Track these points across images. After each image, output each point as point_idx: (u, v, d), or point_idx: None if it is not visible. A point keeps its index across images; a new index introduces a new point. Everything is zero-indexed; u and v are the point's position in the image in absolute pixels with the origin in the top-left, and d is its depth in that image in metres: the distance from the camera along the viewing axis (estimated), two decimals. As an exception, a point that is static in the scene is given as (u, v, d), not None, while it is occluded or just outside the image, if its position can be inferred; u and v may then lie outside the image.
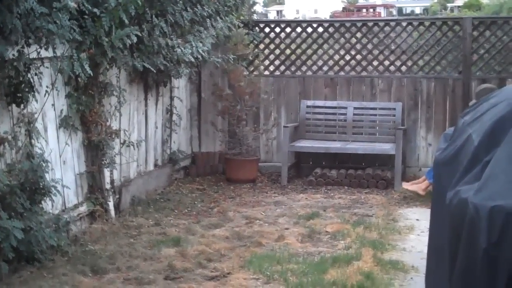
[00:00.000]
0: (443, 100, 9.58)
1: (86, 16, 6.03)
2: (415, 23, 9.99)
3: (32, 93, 5.55)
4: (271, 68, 10.26)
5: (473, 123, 3.33)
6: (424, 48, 9.84)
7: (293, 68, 10.17)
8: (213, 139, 10.05)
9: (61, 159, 6.37)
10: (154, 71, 7.53)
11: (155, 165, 8.71)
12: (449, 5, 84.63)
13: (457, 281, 2.79)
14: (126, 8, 6.24)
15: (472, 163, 2.94)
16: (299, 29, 10.26)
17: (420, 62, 9.88)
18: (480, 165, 2.87)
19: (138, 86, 8.05)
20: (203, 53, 8.25)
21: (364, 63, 9.96)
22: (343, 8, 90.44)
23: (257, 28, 10.18)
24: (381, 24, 10.05)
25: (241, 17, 9.98)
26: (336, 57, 10.06)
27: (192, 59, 8.07)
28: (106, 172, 7.06)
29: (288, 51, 10.23)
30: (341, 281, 5.40)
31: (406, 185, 8.59)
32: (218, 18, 8.99)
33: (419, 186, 8.33)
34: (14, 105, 5.50)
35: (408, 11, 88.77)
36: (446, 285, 2.97)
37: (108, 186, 7.09)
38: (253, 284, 5.46)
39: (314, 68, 10.11)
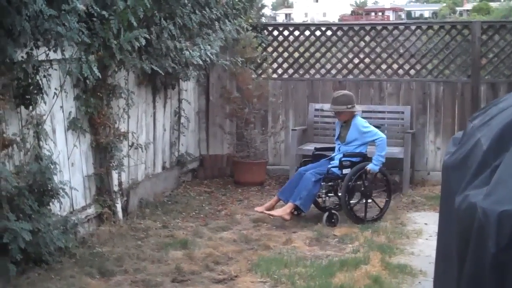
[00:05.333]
0: (452, 104, 9.56)
1: (94, 19, 6.04)
2: (424, 27, 9.97)
3: (41, 95, 5.56)
4: (280, 71, 10.26)
5: (482, 127, 3.31)
6: (433, 51, 9.83)
7: (301, 71, 10.17)
8: (221, 142, 10.05)
9: (69, 161, 6.38)
10: (163, 74, 7.55)
11: (163, 168, 8.71)
12: (458, 8, 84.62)
13: (465, 286, 2.77)
14: (134, 11, 6.25)
15: (481, 167, 2.92)
16: (307, 32, 10.26)
17: (429, 66, 9.85)
18: (489, 170, 2.85)
19: (147, 88, 8.06)
20: (211, 56, 8.26)
21: (372, 66, 9.94)
22: (352, 11, 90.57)
23: (265, 31, 10.19)
24: (390, 27, 10.04)
25: (250, 20, 9.98)
26: (345, 60, 10.05)
27: (201, 62, 8.08)
28: (114, 174, 7.07)
29: (296, 54, 10.23)
30: (349, 285, 5.38)
31: (261, 209, 7.52)
32: (226, 21, 9.00)
33: (283, 209, 7.34)
34: (22, 107, 5.51)
35: (417, 14, 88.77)
36: (455, 290, 2.96)
37: (116, 188, 7.10)
38: (261, 287, 5.45)
39: (323, 71, 10.10)
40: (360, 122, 7.69)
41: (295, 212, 7.54)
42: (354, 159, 7.58)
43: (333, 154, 7.80)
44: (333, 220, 7.34)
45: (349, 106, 7.65)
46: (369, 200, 7.66)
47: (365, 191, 7.62)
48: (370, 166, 7.53)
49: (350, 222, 7.45)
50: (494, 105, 3.56)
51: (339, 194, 7.50)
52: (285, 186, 7.68)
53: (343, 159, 7.52)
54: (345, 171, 7.49)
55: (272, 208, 7.51)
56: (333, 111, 7.89)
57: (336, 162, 7.56)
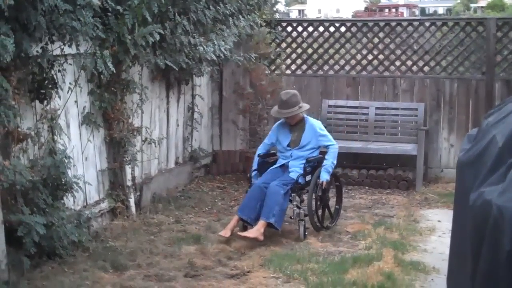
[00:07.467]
0: (466, 101, 9.50)
1: (109, 14, 6.07)
2: (439, 23, 9.91)
3: (55, 89, 5.60)
4: (293, 67, 10.24)
5: (497, 124, 3.30)
6: (447, 48, 9.77)
7: (315, 67, 10.14)
8: (234, 138, 10.05)
9: (83, 155, 6.41)
10: (176, 69, 7.56)
11: (176, 163, 8.73)
12: (472, 5, 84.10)
13: (479, 283, 2.77)
14: (149, 6, 6.27)
15: (496, 164, 2.92)
16: (321, 28, 10.22)
17: (443, 63, 9.79)
18: (504, 167, 2.84)
19: (160, 83, 8.08)
20: (225, 52, 8.26)
21: (386, 63, 9.90)
22: (366, 8, 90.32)
23: (279, 27, 10.17)
24: (404, 24, 9.99)
25: (264, 16, 9.96)
26: (358, 56, 10.02)
27: (214, 58, 8.08)
28: (128, 169, 7.09)
29: (310, 50, 10.20)
30: (361, 281, 5.37)
31: (227, 233, 6.54)
32: (240, 16, 9.00)
33: (257, 230, 6.47)
34: (37, 102, 5.55)
35: (431, 11, 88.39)
36: (469, 287, 2.95)
37: (129, 183, 7.12)
38: (273, 283, 5.45)
39: (336, 67, 10.07)
40: (316, 123, 7.18)
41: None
42: (312, 165, 7.01)
43: (284, 161, 7.07)
44: (306, 233, 6.78)
45: (300, 105, 7.04)
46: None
47: (323, 199, 7.06)
48: (323, 178, 6.88)
49: (362, 218, 7.45)
50: (509, 102, 3.55)
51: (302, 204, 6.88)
52: (244, 203, 6.78)
53: (306, 165, 6.90)
54: (308, 177, 6.92)
55: (234, 229, 6.65)
56: (283, 117, 7.15)
57: (300, 170, 6.89)
